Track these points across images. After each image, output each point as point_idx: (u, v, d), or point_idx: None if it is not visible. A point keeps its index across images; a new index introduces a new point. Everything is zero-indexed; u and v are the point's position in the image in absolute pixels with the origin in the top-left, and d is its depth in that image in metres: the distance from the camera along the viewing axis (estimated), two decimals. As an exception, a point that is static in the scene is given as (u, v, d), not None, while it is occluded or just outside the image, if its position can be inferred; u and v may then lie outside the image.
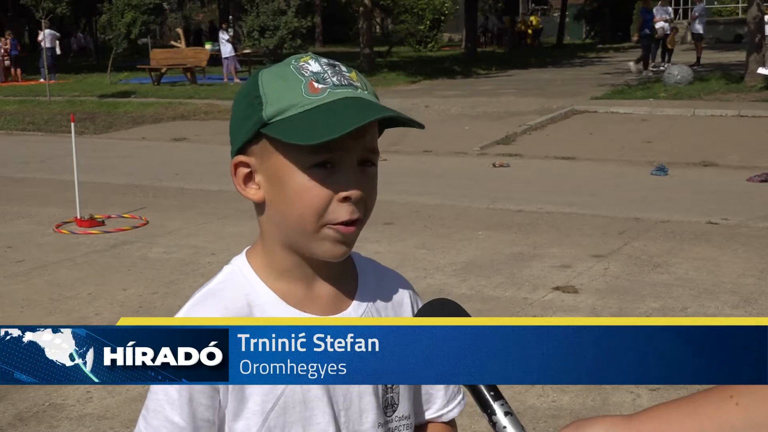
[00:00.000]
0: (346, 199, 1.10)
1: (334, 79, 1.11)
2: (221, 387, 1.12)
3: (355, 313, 1.20)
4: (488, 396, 0.99)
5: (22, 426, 3.83)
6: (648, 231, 7.07)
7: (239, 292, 1.17)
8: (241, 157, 1.15)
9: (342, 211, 1.11)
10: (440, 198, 8.47)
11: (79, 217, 7.57)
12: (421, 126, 1.13)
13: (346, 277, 1.22)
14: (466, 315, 1.08)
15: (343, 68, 1.14)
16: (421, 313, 1.12)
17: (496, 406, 0.98)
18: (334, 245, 1.13)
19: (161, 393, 1.12)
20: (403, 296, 1.28)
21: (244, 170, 1.16)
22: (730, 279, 5.73)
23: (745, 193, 8.64)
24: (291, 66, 1.13)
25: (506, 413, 0.98)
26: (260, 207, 1.17)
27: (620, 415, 0.97)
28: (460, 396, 1.34)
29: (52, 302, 5.54)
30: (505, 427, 0.97)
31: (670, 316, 5.04)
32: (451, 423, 1.35)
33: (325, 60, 1.14)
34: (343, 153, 1.10)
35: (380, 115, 1.07)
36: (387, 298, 1.25)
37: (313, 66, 1.12)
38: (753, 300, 5.30)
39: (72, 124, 8.06)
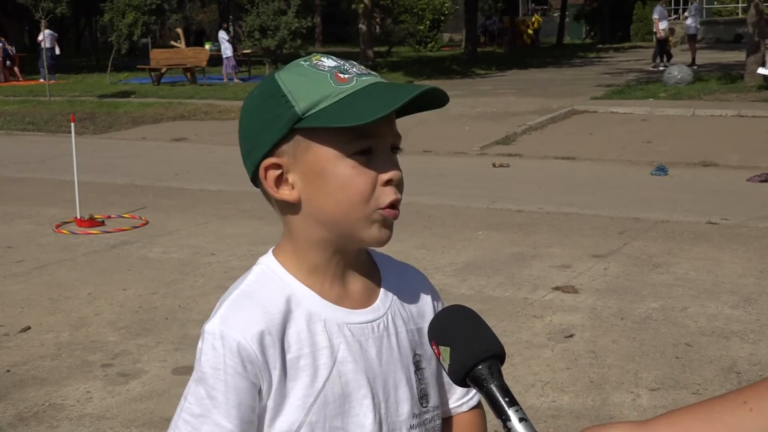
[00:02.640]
0: (388, 182, 1.13)
1: (355, 69, 1.13)
2: (264, 386, 1.12)
3: (383, 305, 1.22)
4: (503, 402, 0.99)
5: (22, 426, 3.82)
6: (648, 231, 7.07)
7: (275, 290, 1.16)
8: (271, 159, 1.14)
9: (387, 194, 1.13)
10: (440, 198, 8.47)
11: (79, 217, 7.57)
12: (446, 101, 1.14)
13: (370, 271, 1.24)
14: (482, 322, 1.08)
15: (355, 63, 1.16)
16: (436, 320, 1.11)
17: (510, 412, 0.98)
18: (381, 230, 1.15)
19: (206, 399, 1.12)
20: (424, 290, 1.31)
21: (275, 172, 1.14)
22: (730, 279, 5.73)
23: (745, 193, 8.64)
24: (305, 65, 1.14)
25: (521, 419, 0.97)
26: (293, 207, 1.16)
27: (634, 421, 0.97)
28: None
29: (52, 302, 5.53)
30: None
31: (670, 316, 5.04)
32: (477, 408, 1.36)
33: (335, 57, 1.16)
34: (379, 139, 1.12)
35: (422, 90, 1.09)
36: (409, 290, 1.28)
37: (328, 62, 1.14)
38: (753, 300, 5.30)
39: (72, 124, 8.06)
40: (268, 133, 1.13)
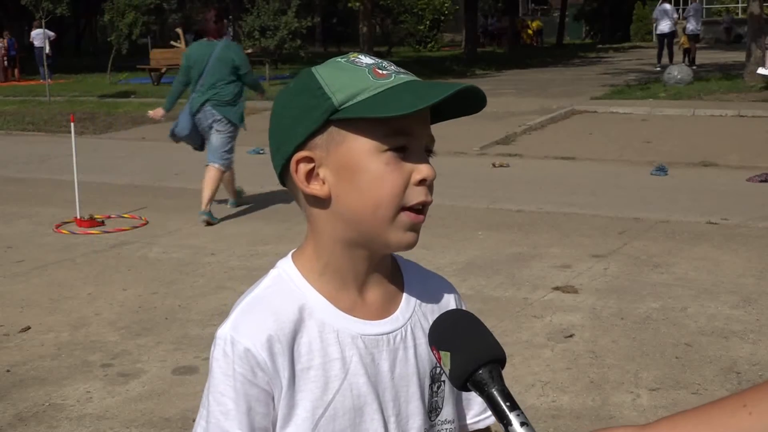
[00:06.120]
0: (421, 182, 1.11)
1: (392, 67, 1.12)
2: (276, 393, 1.11)
3: (403, 316, 1.19)
4: (504, 406, 0.99)
5: (22, 426, 3.82)
6: (648, 231, 7.07)
7: (289, 297, 1.14)
8: (303, 153, 1.11)
9: (418, 194, 1.11)
10: (440, 198, 8.40)
11: (79, 217, 7.57)
12: (483, 103, 1.13)
13: (394, 279, 1.21)
14: (483, 326, 1.07)
15: (392, 62, 1.15)
16: (436, 324, 1.10)
17: (512, 417, 0.98)
18: (407, 233, 1.12)
19: (215, 405, 1.11)
20: (449, 300, 1.27)
21: (307, 166, 1.12)
22: (730, 279, 5.73)
23: (745, 193, 8.64)
24: (342, 61, 1.13)
25: (522, 423, 0.97)
26: (321, 203, 1.13)
27: (634, 424, 0.98)
28: None
29: (52, 302, 5.53)
30: None
31: (670, 316, 5.04)
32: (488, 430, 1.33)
33: (372, 55, 1.16)
34: (415, 138, 1.11)
35: (461, 87, 1.07)
36: (433, 301, 1.24)
37: (366, 59, 1.13)
38: (753, 300, 5.30)
39: (72, 124, 8.05)
40: (302, 125, 1.10)
